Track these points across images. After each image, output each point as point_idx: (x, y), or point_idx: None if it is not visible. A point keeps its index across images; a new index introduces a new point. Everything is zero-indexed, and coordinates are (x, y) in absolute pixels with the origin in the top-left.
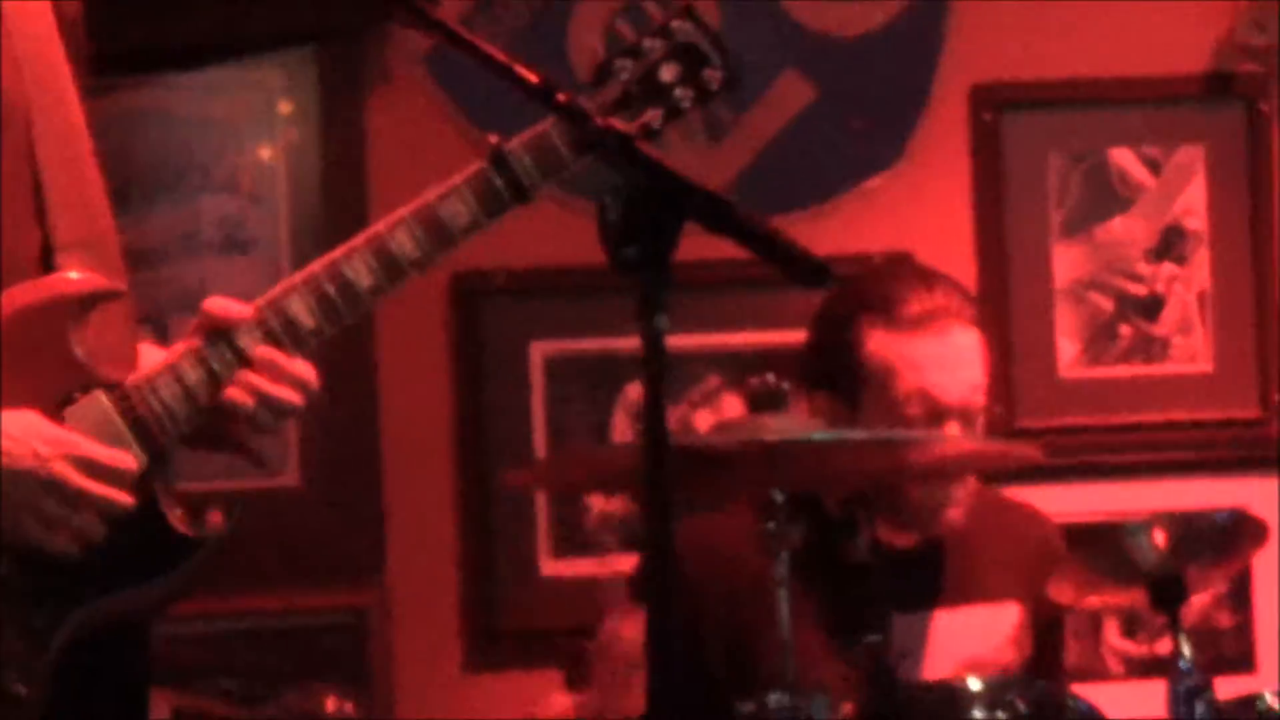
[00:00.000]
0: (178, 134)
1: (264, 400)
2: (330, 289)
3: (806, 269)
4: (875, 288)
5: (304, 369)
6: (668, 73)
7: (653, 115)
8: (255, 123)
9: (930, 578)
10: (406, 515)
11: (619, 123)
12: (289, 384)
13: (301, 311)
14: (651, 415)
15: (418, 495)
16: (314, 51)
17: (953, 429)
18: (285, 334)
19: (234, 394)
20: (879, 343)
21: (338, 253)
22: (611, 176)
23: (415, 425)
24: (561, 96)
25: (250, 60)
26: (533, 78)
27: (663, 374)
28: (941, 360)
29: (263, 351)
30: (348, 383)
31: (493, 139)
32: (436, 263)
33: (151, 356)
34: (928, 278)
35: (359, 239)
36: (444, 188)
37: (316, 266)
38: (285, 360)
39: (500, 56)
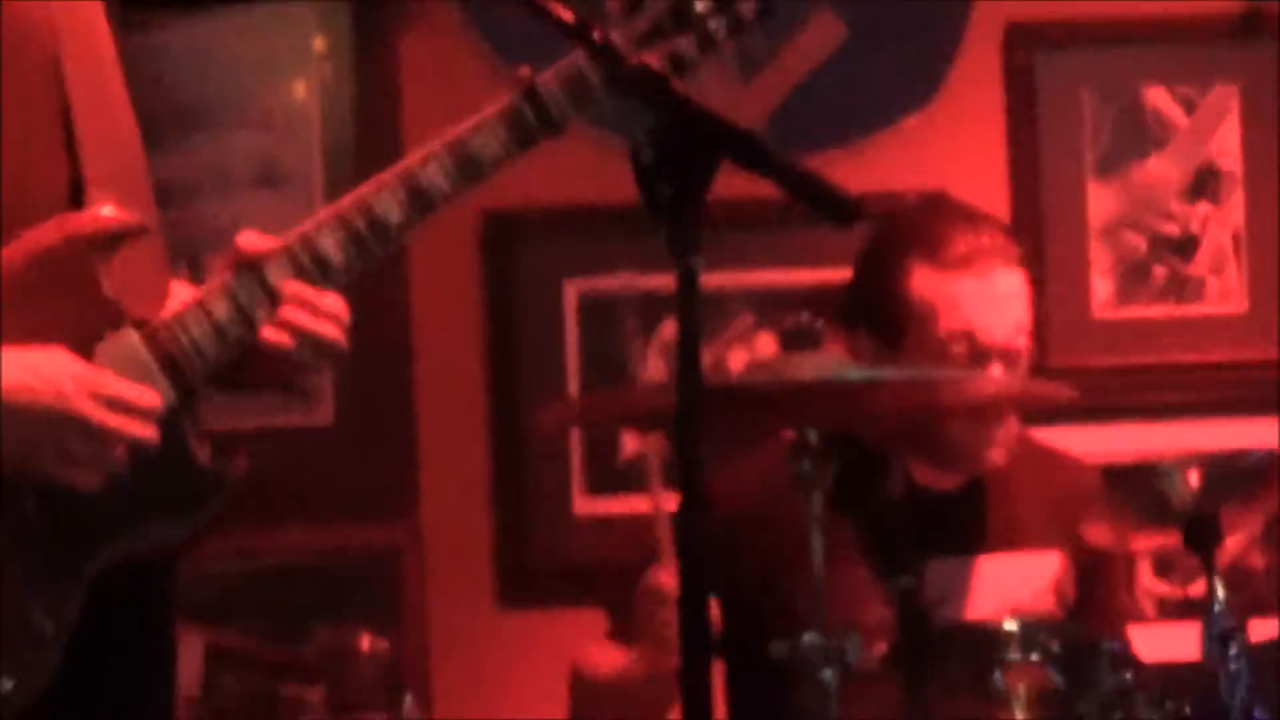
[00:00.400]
0: (211, 70)
1: (301, 337)
2: (360, 224)
3: (839, 207)
4: (920, 227)
5: (335, 303)
6: (700, 3)
7: (686, 45)
8: (289, 60)
9: (972, 523)
10: (439, 453)
11: (653, 61)
12: (323, 318)
13: (331, 247)
14: (685, 355)
15: (450, 434)
16: None
17: (996, 369)
18: (315, 269)
19: (271, 334)
20: (923, 282)
21: (367, 188)
22: (645, 115)
23: (448, 364)
24: (596, 34)
25: None
26: (567, 15)
27: (696, 314)
28: (986, 300)
29: (292, 286)
30: (380, 322)
31: (524, 70)
32: (465, 195)
33: (182, 294)
34: (973, 218)
35: (388, 174)
36: (474, 120)
37: (346, 201)
38: (315, 294)
39: None
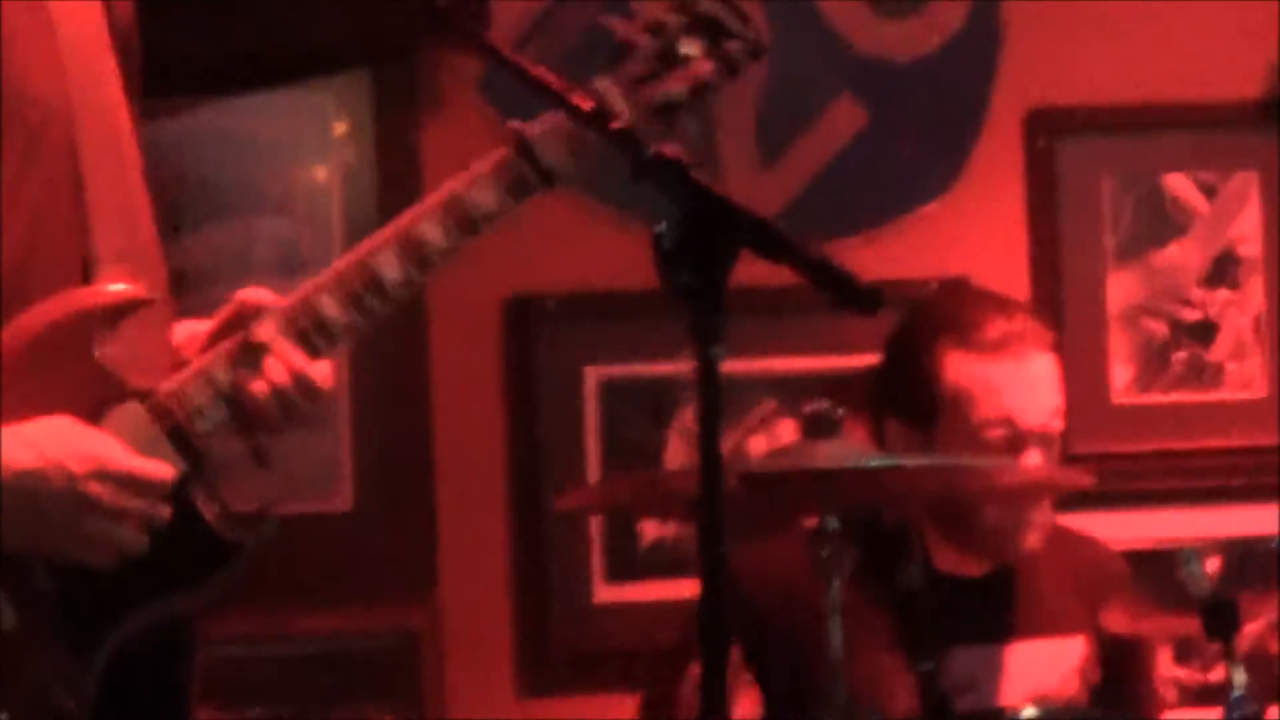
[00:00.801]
0: (231, 154)
1: (274, 391)
2: (359, 284)
3: (859, 295)
4: (952, 312)
5: (320, 372)
6: (690, 46)
7: (677, 89)
8: (309, 144)
9: (998, 609)
10: (459, 538)
11: (672, 151)
12: (299, 383)
13: (331, 308)
14: (707, 444)
15: (471, 518)
16: (368, 73)
17: (1033, 455)
18: (316, 332)
19: (248, 381)
20: (957, 367)
21: (365, 247)
22: (666, 202)
23: (468, 448)
24: (615, 124)
25: (304, 82)
26: (586, 104)
27: (718, 403)
28: (1022, 385)
29: (281, 346)
30: (401, 406)
31: (516, 124)
32: (461, 252)
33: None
34: (1004, 303)
35: (386, 232)
36: (469, 175)
37: (343, 263)
38: (302, 360)
39: (553, 82)
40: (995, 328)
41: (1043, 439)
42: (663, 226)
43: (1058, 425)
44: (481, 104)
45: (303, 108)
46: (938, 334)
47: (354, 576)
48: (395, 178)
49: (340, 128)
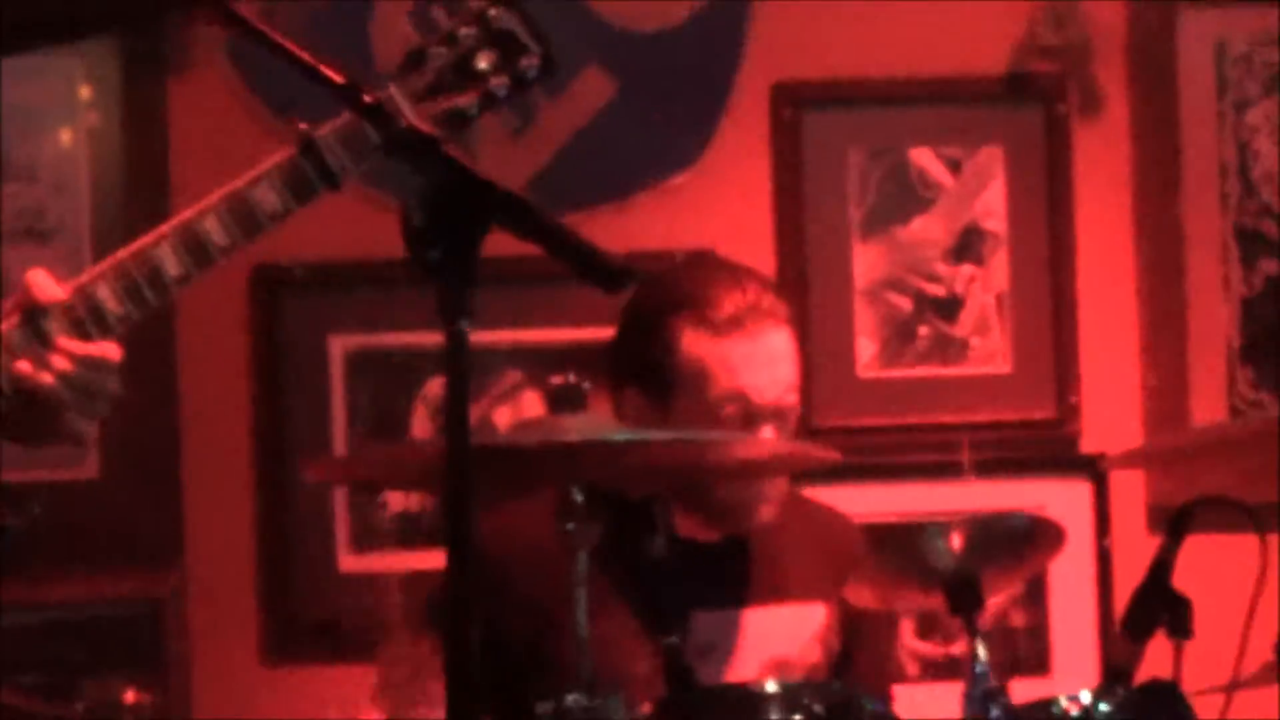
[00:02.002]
0: None
1: (61, 378)
2: (138, 276)
3: (609, 274)
4: (687, 286)
5: (106, 349)
6: (483, 60)
7: (467, 102)
8: (55, 110)
9: (737, 575)
10: (205, 507)
11: (423, 124)
12: (86, 363)
13: (109, 297)
14: (454, 418)
15: (216, 487)
16: (115, 39)
17: (767, 430)
18: (91, 320)
19: (27, 369)
20: (693, 343)
21: (147, 239)
22: (416, 176)
23: (214, 417)
24: (367, 96)
25: (50, 48)
26: (338, 77)
27: (466, 378)
28: (756, 361)
29: (63, 341)
30: (147, 375)
31: (302, 125)
32: (245, 248)
33: None
34: (739, 276)
35: (168, 226)
36: (253, 174)
37: (125, 253)
38: (83, 347)
39: (303, 54)
40: (730, 303)
41: (776, 414)
42: (412, 201)
43: (792, 400)
44: (229, 71)
45: (48, 72)
46: (673, 309)
47: (99, 545)
48: (143, 144)
49: (86, 92)
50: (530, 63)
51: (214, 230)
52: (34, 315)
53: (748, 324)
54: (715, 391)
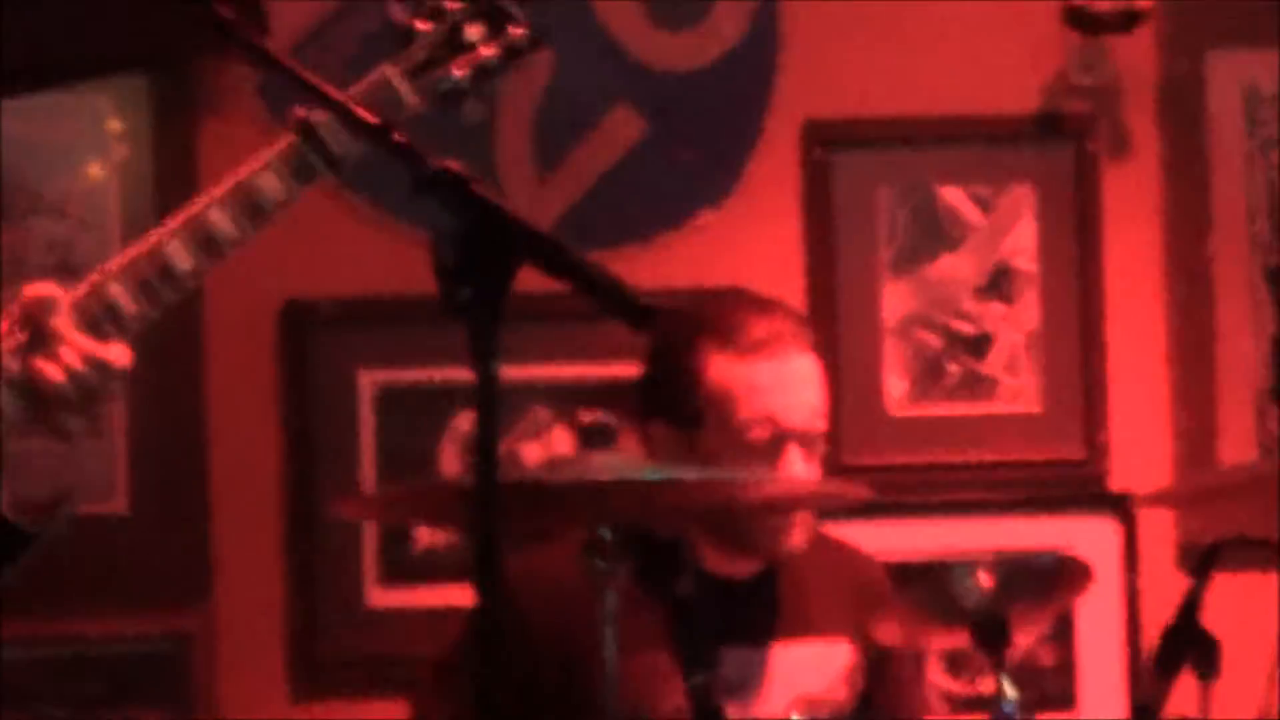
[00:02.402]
0: (6, 157)
1: (69, 373)
2: (150, 273)
3: (637, 312)
4: (713, 315)
5: (117, 352)
6: (472, 31)
7: (461, 74)
8: (86, 145)
9: (764, 612)
10: (234, 542)
11: (453, 165)
12: (94, 365)
13: (122, 296)
14: (483, 457)
15: (245, 523)
16: (145, 77)
17: (795, 453)
18: (106, 319)
19: (41, 365)
20: (719, 369)
21: (155, 236)
22: (446, 215)
23: (244, 452)
24: (398, 137)
25: (81, 86)
26: (369, 117)
27: (495, 417)
28: (783, 384)
29: (77, 338)
30: (176, 410)
31: (299, 111)
32: (252, 238)
33: None
34: (763, 304)
35: (176, 221)
36: (255, 163)
37: (135, 251)
38: (94, 346)
39: (335, 93)
40: (755, 329)
41: (804, 438)
42: (442, 240)
43: (820, 425)
44: (260, 109)
45: (79, 108)
46: (699, 337)
47: (129, 580)
48: (173, 182)
49: (116, 127)
50: (519, 30)
51: (221, 221)
52: (42, 310)
53: (773, 347)
54: (742, 415)
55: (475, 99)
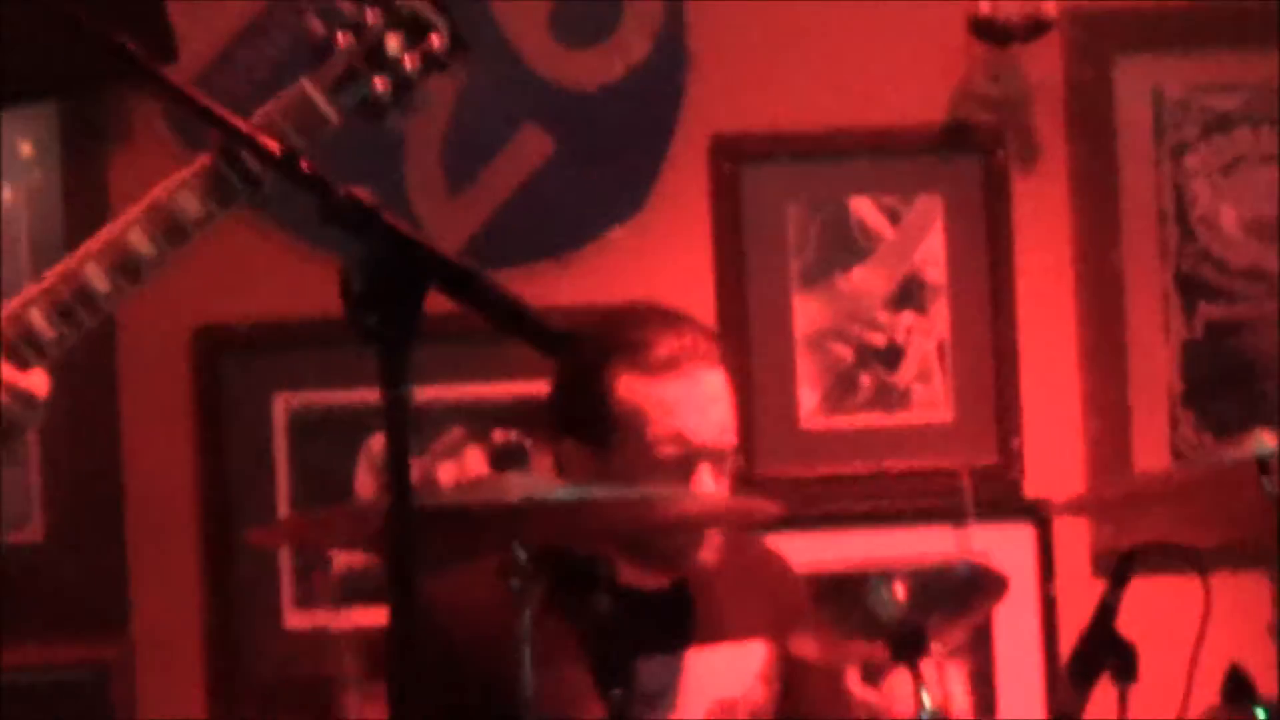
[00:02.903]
0: None
1: None
2: (69, 297)
3: (549, 339)
4: (621, 333)
5: (37, 381)
6: (392, 43)
7: (381, 88)
8: None
9: (679, 619)
10: (151, 569)
11: (361, 193)
12: (13, 394)
13: (40, 321)
14: (396, 482)
15: (161, 548)
16: (56, 104)
17: (705, 470)
18: (26, 345)
19: None
20: (628, 387)
21: (74, 259)
22: (355, 242)
23: (159, 477)
24: (305, 165)
25: None
26: (274, 147)
27: (406, 442)
28: (692, 402)
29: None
30: (91, 436)
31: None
32: (171, 260)
33: None
34: (672, 320)
35: (93, 243)
36: (173, 182)
37: (53, 275)
38: (16, 374)
39: (240, 124)
40: (663, 346)
41: (715, 455)
42: (350, 267)
43: (729, 441)
44: (169, 136)
45: None
46: (609, 355)
47: (46, 608)
48: (82, 208)
49: (27, 149)
50: (439, 40)
51: (140, 243)
52: None
53: (683, 365)
54: (652, 433)
55: (397, 110)
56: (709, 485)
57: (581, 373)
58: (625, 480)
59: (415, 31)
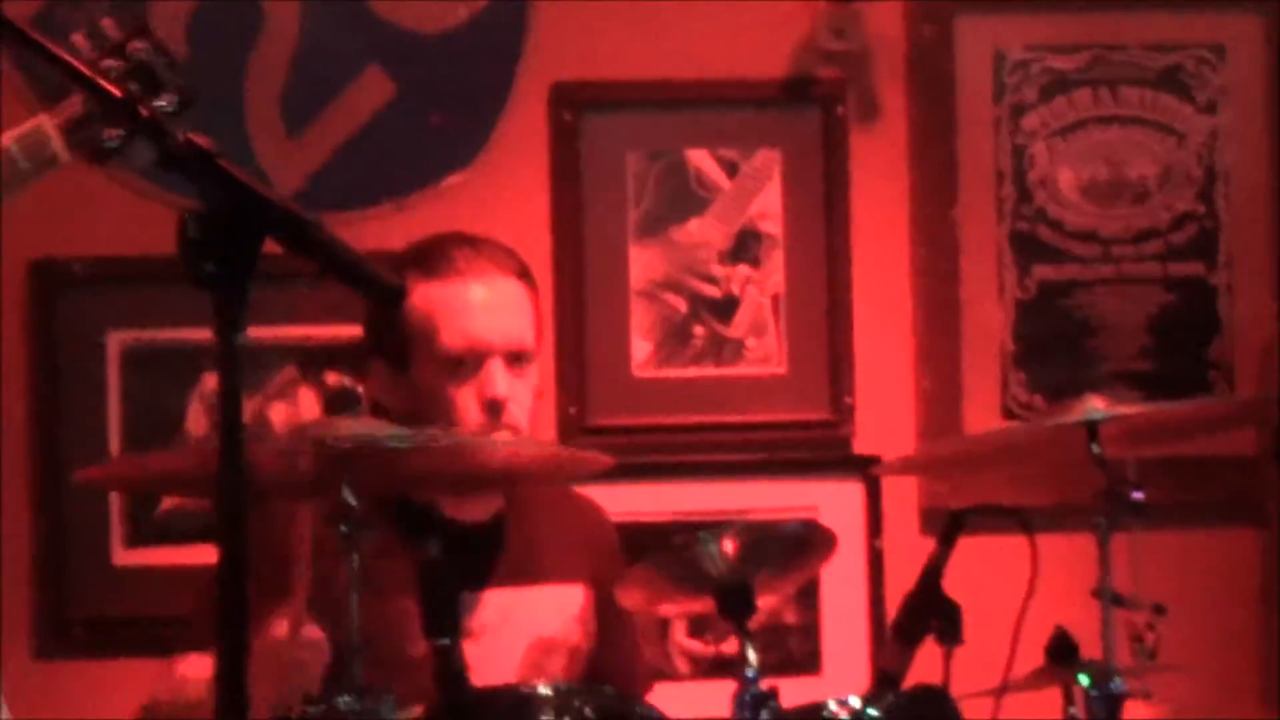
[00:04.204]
0: None
1: None
2: None
3: (383, 290)
4: (421, 250)
5: None
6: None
7: (110, 135)
8: None
9: (496, 557)
10: None
11: (200, 140)
12: None
13: None
14: (227, 431)
15: None
16: None
17: (497, 368)
18: None
19: None
20: (421, 295)
21: None
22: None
23: None
24: (145, 111)
25: None
26: (115, 91)
27: (238, 387)
28: (480, 303)
29: None
30: None
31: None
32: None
33: None
34: (472, 239)
35: None
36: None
37: None
38: None
39: (80, 66)
40: (459, 257)
41: (508, 354)
42: (188, 214)
43: (528, 345)
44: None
45: None
46: (406, 271)
47: None
48: None
49: None
50: (169, 99)
51: None
52: None
53: (471, 270)
54: (443, 337)
55: (118, 158)
56: (501, 384)
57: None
58: (426, 392)
59: (149, 83)
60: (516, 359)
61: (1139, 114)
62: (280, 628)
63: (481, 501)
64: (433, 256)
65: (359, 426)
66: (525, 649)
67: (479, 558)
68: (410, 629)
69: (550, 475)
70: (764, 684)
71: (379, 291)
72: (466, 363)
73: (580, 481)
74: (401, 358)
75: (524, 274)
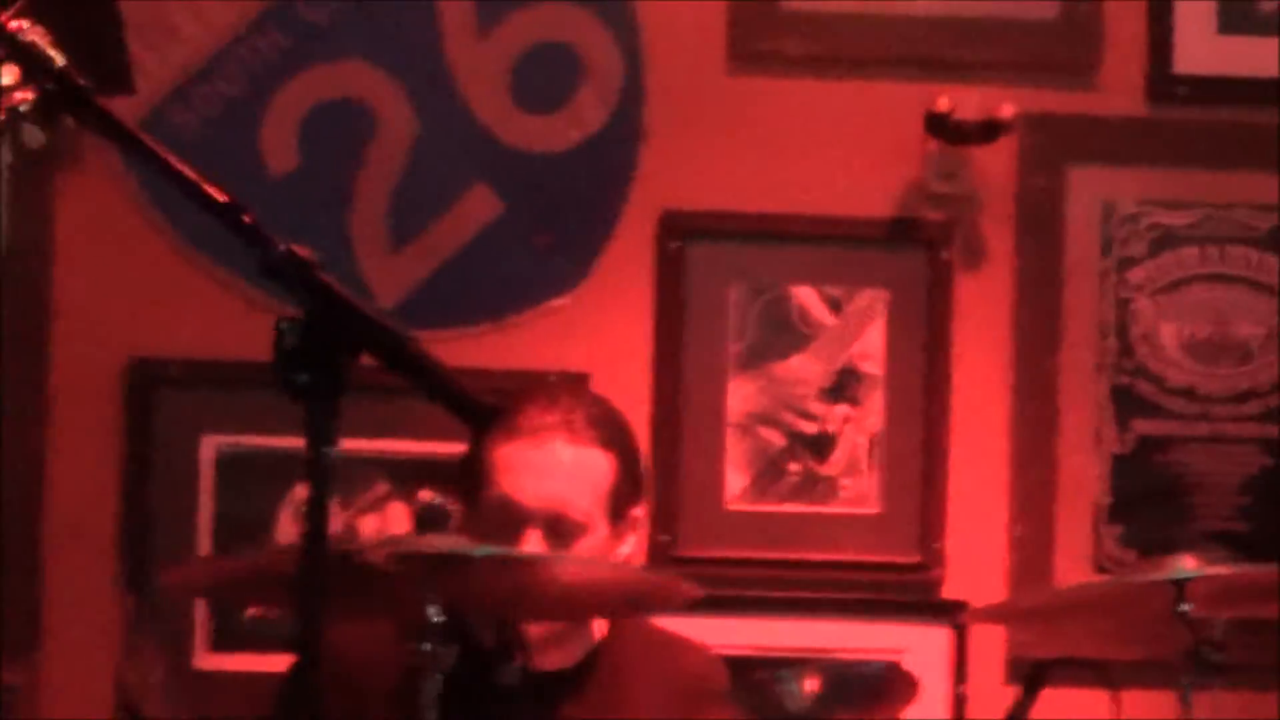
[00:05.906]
0: None
1: None
2: None
3: (477, 414)
4: (513, 401)
5: None
6: (6, 75)
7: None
8: None
9: (583, 704)
10: (65, 598)
11: (302, 250)
12: None
13: None
14: (312, 542)
15: (79, 579)
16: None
17: (533, 536)
18: None
19: None
20: (489, 450)
21: None
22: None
23: (81, 510)
24: (247, 218)
25: None
26: (220, 196)
27: (326, 499)
28: (530, 466)
29: None
30: (14, 461)
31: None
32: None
33: None
34: (557, 394)
35: None
36: None
37: None
38: None
39: (187, 171)
40: (530, 416)
41: (546, 522)
42: (286, 322)
43: (572, 515)
44: (118, 166)
45: None
46: (496, 422)
47: None
48: (27, 234)
49: None
50: (50, 80)
51: None
52: None
53: (537, 433)
54: (486, 492)
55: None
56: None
57: (473, 440)
58: (480, 540)
59: (32, 67)
60: (559, 528)
61: (1245, 274)
62: None
63: (565, 648)
64: (514, 411)
65: (447, 541)
66: None
67: (565, 707)
68: None
69: (636, 602)
70: None
71: (470, 413)
72: (506, 524)
73: (667, 612)
74: (469, 500)
75: (606, 442)
